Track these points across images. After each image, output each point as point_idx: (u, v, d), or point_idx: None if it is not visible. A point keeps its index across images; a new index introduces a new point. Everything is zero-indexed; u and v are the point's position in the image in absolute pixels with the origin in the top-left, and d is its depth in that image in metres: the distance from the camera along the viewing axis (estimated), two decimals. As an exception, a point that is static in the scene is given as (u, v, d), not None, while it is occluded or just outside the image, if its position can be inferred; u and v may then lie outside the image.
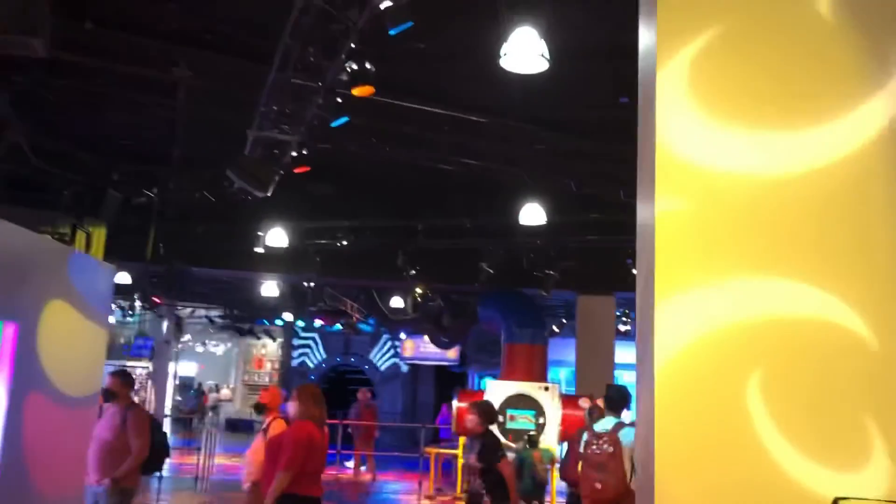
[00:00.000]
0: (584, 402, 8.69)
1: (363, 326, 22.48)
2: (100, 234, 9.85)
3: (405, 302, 16.20)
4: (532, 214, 10.35)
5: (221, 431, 23.03)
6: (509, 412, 11.77)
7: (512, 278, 12.35)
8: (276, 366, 27.30)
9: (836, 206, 2.60)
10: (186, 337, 25.85)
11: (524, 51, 5.23)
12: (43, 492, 5.74)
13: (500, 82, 7.82)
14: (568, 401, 11.95)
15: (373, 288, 16.34)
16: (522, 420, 11.67)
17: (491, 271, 11.72)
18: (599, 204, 10.96)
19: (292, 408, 5.56)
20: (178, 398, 26.59)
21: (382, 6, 5.26)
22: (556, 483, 11.20)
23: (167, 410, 24.89)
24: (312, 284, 13.52)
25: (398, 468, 16.21)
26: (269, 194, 8.23)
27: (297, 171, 8.46)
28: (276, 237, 11.37)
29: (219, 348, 27.52)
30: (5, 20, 4.92)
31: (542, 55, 5.25)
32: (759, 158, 2.63)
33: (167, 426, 23.64)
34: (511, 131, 9.19)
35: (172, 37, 7.59)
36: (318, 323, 22.19)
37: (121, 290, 14.28)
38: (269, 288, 15.56)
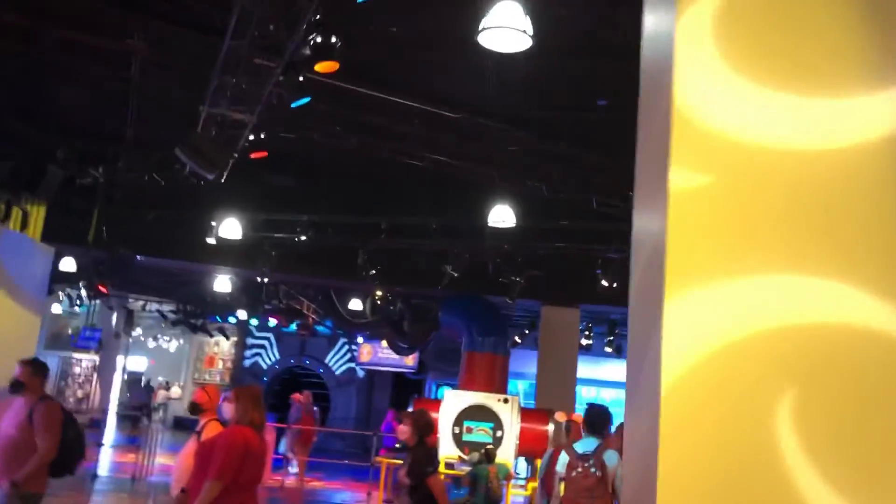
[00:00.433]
0: (561, 417, 8.31)
1: (319, 328, 21.89)
2: (38, 213, 9.23)
3: (364, 304, 15.70)
4: (501, 216, 9.92)
5: (168, 430, 22.31)
6: (466, 423, 11.36)
7: (477, 284, 11.92)
8: (229, 365, 26.64)
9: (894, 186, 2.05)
10: (137, 331, 25.12)
11: (505, 26, 4.75)
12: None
13: (476, 76, 7.43)
14: (527, 414, 11.55)
15: (331, 288, 15.77)
16: (479, 432, 11.25)
17: (455, 275, 11.27)
18: (571, 211, 10.61)
19: (229, 410, 4.99)
20: (128, 394, 25.80)
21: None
22: (511, 500, 10.80)
23: (113, 406, 24.14)
24: (266, 280, 12.90)
25: (347, 477, 15.66)
26: (221, 179, 7.70)
27: (253, 156, 7.96)
28: (230, 228, 10.78)
29: (171, 344, 26.86)
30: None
31: (525, 31, 4.77)
32: (801, 128, 2.11)
33: (111, 422, 22.93)
34: (484, 129, 8.79)
35: (127, 3, 7.06)
36: (272, 322, 21.57)
37: (64, 277, 13.55)
38: (222, 283, 14.98)
